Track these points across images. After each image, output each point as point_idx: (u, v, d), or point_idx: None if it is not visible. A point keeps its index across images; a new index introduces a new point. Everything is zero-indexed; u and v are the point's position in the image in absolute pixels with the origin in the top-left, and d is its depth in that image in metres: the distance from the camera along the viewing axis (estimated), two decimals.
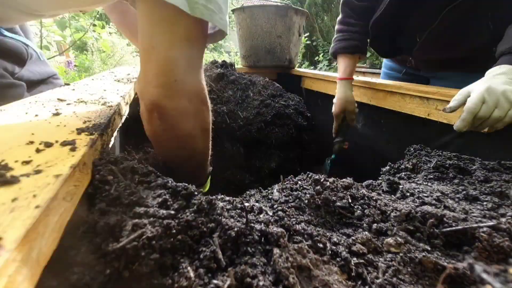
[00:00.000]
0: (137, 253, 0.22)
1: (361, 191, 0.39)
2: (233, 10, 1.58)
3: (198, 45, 0.45)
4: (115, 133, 0.44)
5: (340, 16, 1.01)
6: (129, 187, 0.29)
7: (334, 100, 1.00)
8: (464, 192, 0.42)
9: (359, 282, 0.25)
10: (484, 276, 0.24)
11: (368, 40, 1.00)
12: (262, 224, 0.29)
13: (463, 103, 0.56)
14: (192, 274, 0.22)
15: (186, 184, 0.31)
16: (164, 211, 0.26)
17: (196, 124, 0.48)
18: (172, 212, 0.27)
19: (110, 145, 0.41)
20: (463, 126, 0.55)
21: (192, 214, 0.27)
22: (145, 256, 0.22)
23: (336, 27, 1.03)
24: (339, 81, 0.98)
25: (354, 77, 1.07)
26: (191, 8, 0.39)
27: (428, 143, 0.75)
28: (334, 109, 0.99)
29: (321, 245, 0.28)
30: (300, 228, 0.30)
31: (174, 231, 0.25)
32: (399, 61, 1.07)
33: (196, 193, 0.30)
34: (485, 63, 0.78)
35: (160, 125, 0.45)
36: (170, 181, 0.32)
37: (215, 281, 0.22)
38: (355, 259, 0.28)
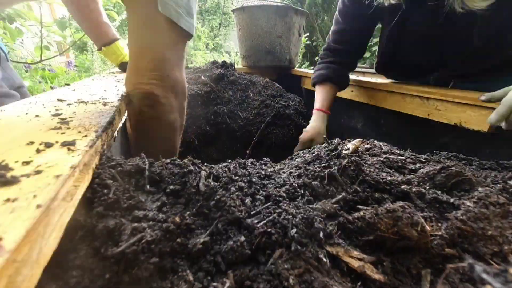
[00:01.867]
0: (136, 257, 0.22)
1: None
2: (233, 10, 1.58)
3: (182, 47, 0.54)
4: (115, 133, 0.44)
5: (320, 55, 1.07)
6: (128, 191, 0.29)
7: (306, 129, 1.00)
8: None
9: (359, 283, 0.25)
10: (484, 276, 0.24)
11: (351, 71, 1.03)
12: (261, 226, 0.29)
13: (503, 97, 0.54)
14: (191, 277, 0.22)
15: (186, 186, 0.31)
16: (164, 215, 0.26)
17: (177, 117, 0.56)
18: (172, 215, 0.27)
19: (110, 145, 0.41)
20: (496, 120, 0.53)
21: (192, 218, 0.27)
22: (145, 260, 0.22)
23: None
24: (315, 111, 1.00)
25: (354, 77, 1.07)
26: (162, 6, 0.45)
27: (428, 143, 0.75)
28: (303, 136, 0.99)
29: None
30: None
31: (174, 234, 0.25)
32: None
33: (196, 196, 0.30)
34: (505, 70, 0.79)
35: (149, 113, 0.52)
36: (169, 185, 0.32)
37: (214, 284, 0.22)
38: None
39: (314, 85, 1.05)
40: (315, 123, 0.98)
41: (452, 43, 0.77)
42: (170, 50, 0.51)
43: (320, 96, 1.00)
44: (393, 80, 1.09)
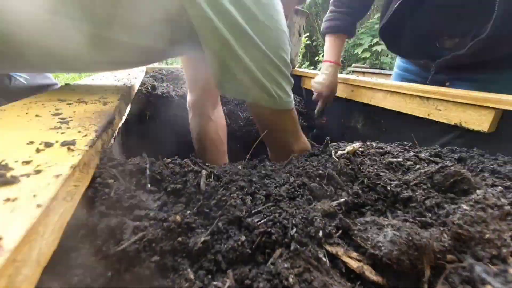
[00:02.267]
0: (138, 256, 0.22)
1: None
2: None
3: None
4: (115, 133, 0.44)
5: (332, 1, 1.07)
6: (129, 190, 0.29)
7: (321, 81, 1.03)
8: None
9: (358, 283, 0.25)
10: (484, 276, 0.24)
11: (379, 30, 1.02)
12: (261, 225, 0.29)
13: None
14: (192, 276, 0.22)
15: (187, 186, 0.31)
16: (165, 214, 0.26)
17: None
18: (173, 214, 0.27)
19: (110, 145, 0.41)
20: None
21: (192, 217, 0.27)
22: (146, 258, 0.22)
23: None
24: (328, 63, 1.02)
25: (354, 77, 1.08)
26: None
27: (428, 143, 0.75)
28: (321, 89, 1.03)
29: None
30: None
31: (175, 233, 0.25)
32: (420, 64, 1.03)
33: (197, 196, 0.30)
34: (503, 64, 0.79)
35: None
36: (170, 184, 0.32)
37: (214, 283, 0.22)
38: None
39: (324, 35, 1.07)
40: (332, 77, 1.00)
41: (468, 16, 0.77)
42: None
43: (334, 48, 1.03)
44: (397, 60, 1.11)
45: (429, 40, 0.90)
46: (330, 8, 1.07)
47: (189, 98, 0.88)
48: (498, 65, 0.83)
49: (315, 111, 1.13)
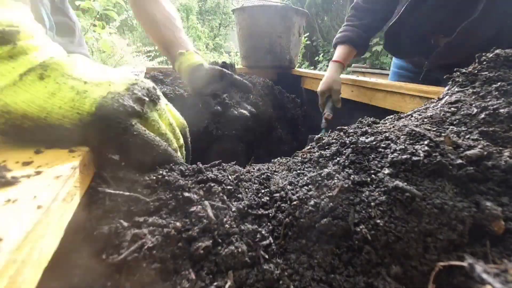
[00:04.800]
0: (138, 264, 0.22)
1: None
2: (233, 10, 1.58)
3: None
4: None
5: (346, 16, 1.10)
6: (128, 196, 0.28)
7: (322, 81, 1.05)
8: None
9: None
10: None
11: (370, 41, 1.05)
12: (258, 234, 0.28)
13: None
14: (193, 276, 0.22)
15: (186, 188, 0.31)
16: (163, 220, 0.26)
17: None
18: (172, 220, 0.27)
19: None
20: None
21: (192, 224, 0.27)
22: (146, 266, 0.22)
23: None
24: (331, 63, 1.05)
25: (354, 77, 1.08)
26: None
27: None
28: (319, 86, 1.05)
29: None
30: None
31: (175, 239, 0.25)
32: (414, 62, 1.07)
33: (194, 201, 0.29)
34: None
35: None
36: (167, 190, 0.31)
37: (215, 283, 0.22)
38: None
39: (335, 46, 1.09)
40: (330, 73, 1.03)
41: (463, 13, 0.79)
42: None
43: (339, 52, 1.06)
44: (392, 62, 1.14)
45: (425, 38, 0.93)
46: (345, 23, 1.08)
47: None
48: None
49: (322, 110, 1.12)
